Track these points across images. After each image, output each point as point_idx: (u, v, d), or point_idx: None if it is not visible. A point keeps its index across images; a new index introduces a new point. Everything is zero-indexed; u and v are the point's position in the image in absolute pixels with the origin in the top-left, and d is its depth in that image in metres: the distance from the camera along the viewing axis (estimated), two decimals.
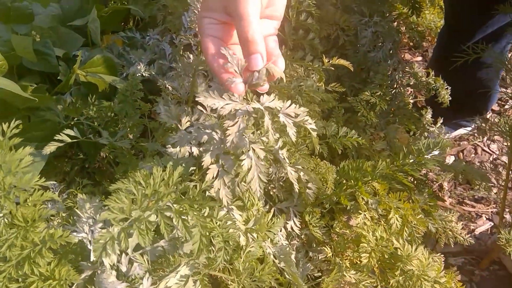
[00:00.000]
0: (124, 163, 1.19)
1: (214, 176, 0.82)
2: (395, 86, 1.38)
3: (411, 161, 0.97)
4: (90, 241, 0.69)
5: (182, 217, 0.67)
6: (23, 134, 1.33)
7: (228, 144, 0.75)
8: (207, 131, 0.86)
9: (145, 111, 1.16)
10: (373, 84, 1.29)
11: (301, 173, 0.92)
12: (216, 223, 0.78)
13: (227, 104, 0.75)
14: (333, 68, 1.26)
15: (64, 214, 1.15)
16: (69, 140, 0.97)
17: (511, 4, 1.26)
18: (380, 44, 1.40)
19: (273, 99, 0.76)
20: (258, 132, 0.88)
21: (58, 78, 1.47)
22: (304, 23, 1.12)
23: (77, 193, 1.26)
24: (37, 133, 1.25)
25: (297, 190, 1.15)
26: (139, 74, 1.27)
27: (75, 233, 0.69)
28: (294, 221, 1.12)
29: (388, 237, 1.00)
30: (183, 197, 0.72)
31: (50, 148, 0.97)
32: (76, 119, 1.26)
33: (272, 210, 1.14)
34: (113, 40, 1.72)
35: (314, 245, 1.16)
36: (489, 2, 1.40)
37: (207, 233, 0.74)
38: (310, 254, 1.17)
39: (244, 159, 0.79)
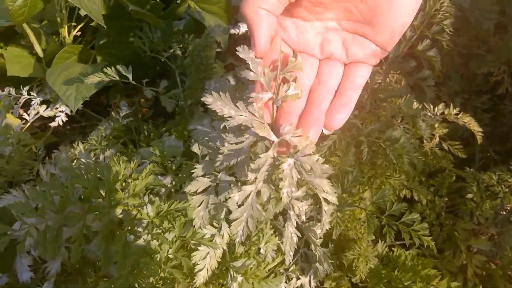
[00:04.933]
0: (175, 121, 1.06)
1: (199, 191, 0.65)
2: None
3: None
4: None
5: None
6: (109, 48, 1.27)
7: (218, 164, 0.54)
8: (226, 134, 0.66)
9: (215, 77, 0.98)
10: None
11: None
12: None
13: (240, 115, 0.52)
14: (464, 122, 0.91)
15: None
16: (101, 80, 0.86)
17: None
18: None
19: (299, 135, 0.51)
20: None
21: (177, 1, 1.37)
22: (418, 52, 0.77)
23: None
24: (115, 52, 1.18)
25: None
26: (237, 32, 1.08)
27: None
28: (310, 279, 0.89)
29: None
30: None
31: (94, 79, 0.88)
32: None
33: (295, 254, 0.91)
34: None
35: None
36: None
37: None
38: None
39: (238, 192, 0.56)
